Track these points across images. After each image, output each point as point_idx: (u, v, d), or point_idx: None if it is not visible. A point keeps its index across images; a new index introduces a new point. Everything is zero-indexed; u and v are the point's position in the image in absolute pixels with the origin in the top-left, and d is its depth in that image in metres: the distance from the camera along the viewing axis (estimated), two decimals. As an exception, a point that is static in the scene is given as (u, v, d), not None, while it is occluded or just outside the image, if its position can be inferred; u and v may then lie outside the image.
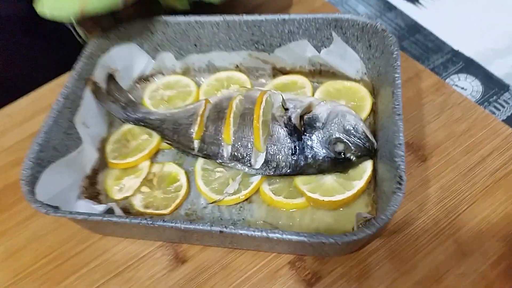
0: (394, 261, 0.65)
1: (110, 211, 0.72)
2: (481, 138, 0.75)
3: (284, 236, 0.55)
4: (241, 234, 0.57)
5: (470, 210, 0.68)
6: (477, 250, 0.65)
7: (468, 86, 0.86)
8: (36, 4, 0.73)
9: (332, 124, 0.70)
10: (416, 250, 0.66)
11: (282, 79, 0.86)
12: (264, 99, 0.73)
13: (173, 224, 0.59)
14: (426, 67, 0.86)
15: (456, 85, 0.86)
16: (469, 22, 0.96)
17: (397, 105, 0.63)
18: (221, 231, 0.57)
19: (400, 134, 0.60)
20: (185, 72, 0.91)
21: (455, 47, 0.92)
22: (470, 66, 0.88)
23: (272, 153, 0.71)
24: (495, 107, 0.82)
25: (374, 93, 0.79)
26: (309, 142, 0.70)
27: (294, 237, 0.55)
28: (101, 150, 0.81)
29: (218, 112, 0.76)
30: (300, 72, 0.85)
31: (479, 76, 0.87)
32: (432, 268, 0.64)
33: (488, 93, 0.84)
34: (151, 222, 0.59)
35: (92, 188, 0.77)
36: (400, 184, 0.57)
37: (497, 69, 0.87)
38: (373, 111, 0.78)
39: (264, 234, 0.56)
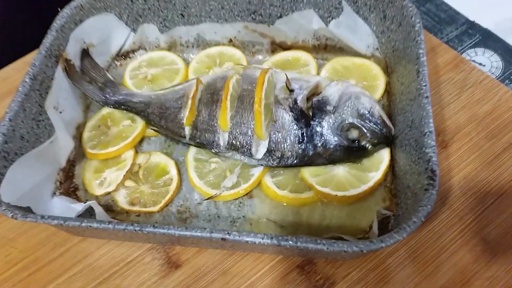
0: (416, 262, 0.58)
1: (90, 209, 0.63)
2: (506, 121, 0.67)
3: (299, 244, 0.47)
4: (247, 241, 0.48)
5: (498, 203, 0.61)
6: (509, 248, 0.58)
7: (486, 61, 0.78)
8: None
9: (345, 108, 0.62)
10: (439, 249, 0.59)
11: (283, 55, 0.76)
12: (266, 79, 0.63)
13: (165, 231, 0.50)
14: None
15: (473, 61, 0.78)
16: (485, -11, 0.88)
17: (424, 85, 0.55)
18: (223, 238, 0.49)
19: (429, 120, 0.53)
20: (171, 47, 0.80)
21: (471, 18, 0.83)
22: (488, 39, 0.80)
23: (276, 141, 0.62)
24: (518, 85, 0.74)
25: (388, 71, 0.70)
26: (318, 129, 0.62)
27: (311, 246, 0.47)
28: (77, 138, 0.71)
29: (212, 94, 0.66)
30: (302, 47, 0.75)
31: (498, 50, 0.78)
32: (458, 271, 0.57)
33: (509, 69, 0.76)
34: (138, 229, 0.50)
35: (69, 183, 0.67)
36: (432, 179, 0.49)
37: (518, 42, 0.79)
38: (387, 91, 0.69)
39: (275, 241, 0.48)
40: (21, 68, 0.84)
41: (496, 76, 0.76)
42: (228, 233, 0.49)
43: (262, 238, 0.48)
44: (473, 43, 0.80)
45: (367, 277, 0.58)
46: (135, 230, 0.50)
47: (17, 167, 0.59)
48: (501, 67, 0.76)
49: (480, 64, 0.77)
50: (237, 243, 0.55)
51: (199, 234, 0.49)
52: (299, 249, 0.54)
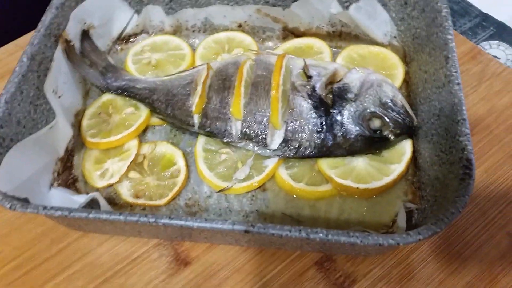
0: (440, 258, 0.56)
1: (92, 202, 0.58)
2: (527, 113, 0.65)
3: (331, 237, 0.43)
4: (273, 234, 0.45)
5: (523, 197, 0.59)
6: (537, 244, 0.56)
7: (501, 54, 0.76)
8: None
9: (367, 96, 0.59)
10: (463, 245, 0.57)
11: (295, 42, 0.72)
12: (284, 64, 0.60)
13: (183, 222, 0.46)
14: (453, 32, 0.76)
15: (488, 54, 0.76)
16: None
17: (455, 72, 0.53)
18: (246, 231, 0.45)
19: (462, 107, 0.50)
20: (176, 31, 0.76)
21: (484, 10, 0.81)
22: (503, 32, 0.78)
23: (293, 130, 0.59)
24: (534, 78, 0.72)
25: (406, 60, 0.67)
26: (338, 117, 0.58)
27: (343, 238, 0.43)
28: (76, 126, 0.66)
29: (224, 80, 0.63)
30: (316, 34, 0.72)
31: (513, 43, 0.77)
32: (484, 267, 0.55)
33: (525, 62, 0.74)
34: (153, 220, 0.46)
35: (67, 174, 0.63)
36: (469, 168, 0.46)
37: (532, 35, 0.78)
38: (406, 81, 0.66)
39: (304, 234, 0.44)
40: (14, 51, 0.78)
41: (512, 69, 0.74)
42: (252, 225, 0.45)
43: (290, 231, 0.44)
44: (487, 35, 0.78)
45: (390, 274, 0.55)
46: (150, 222, 0.46)
47: (14, 154, 0.53)
48: (517, 60, 0.75)
49: (495, 57, 0.75)
50: (254, 237, 0.52)
51: (220, 226, 0.45)
52: (324, 243, 0.50)
